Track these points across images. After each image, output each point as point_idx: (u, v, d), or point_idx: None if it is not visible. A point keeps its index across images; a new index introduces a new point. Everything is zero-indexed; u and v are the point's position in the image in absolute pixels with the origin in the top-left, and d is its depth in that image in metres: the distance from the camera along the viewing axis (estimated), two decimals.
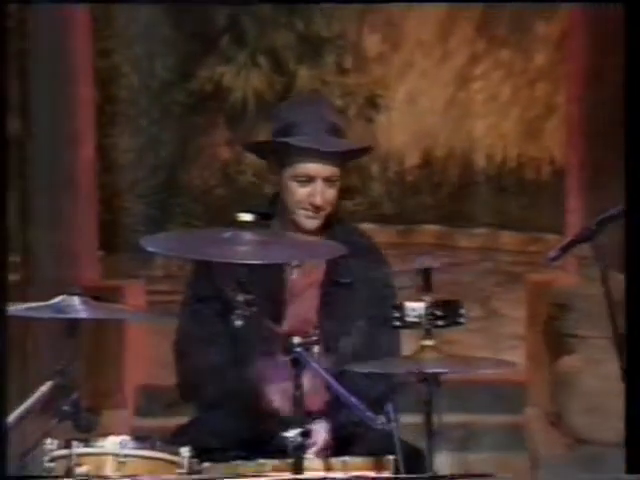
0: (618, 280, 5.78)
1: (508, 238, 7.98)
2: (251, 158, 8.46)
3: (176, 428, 3.83)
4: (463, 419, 5.61)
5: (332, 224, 3.89)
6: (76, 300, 3.31)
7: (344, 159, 3.88)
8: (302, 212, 3.77)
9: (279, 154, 3.82)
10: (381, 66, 8.40)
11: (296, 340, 3.23)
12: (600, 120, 7.30)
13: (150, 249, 3.46)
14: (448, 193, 8.13)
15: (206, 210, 8.34)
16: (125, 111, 8.08)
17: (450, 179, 8.13)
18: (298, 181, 3.76)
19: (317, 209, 3.79)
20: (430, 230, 8.05)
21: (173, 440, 3.55)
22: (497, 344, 7.16)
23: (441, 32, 8.47)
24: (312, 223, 3.79)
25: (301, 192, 3.75)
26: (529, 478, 6.10)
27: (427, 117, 8.27)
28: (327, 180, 3.78)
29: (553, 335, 6.36)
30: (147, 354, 6.84)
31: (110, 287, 6.91)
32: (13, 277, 6.61)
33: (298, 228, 3.80)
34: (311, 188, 3.77)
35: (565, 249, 3.97)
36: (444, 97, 8.20)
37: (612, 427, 6.08)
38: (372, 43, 8.50)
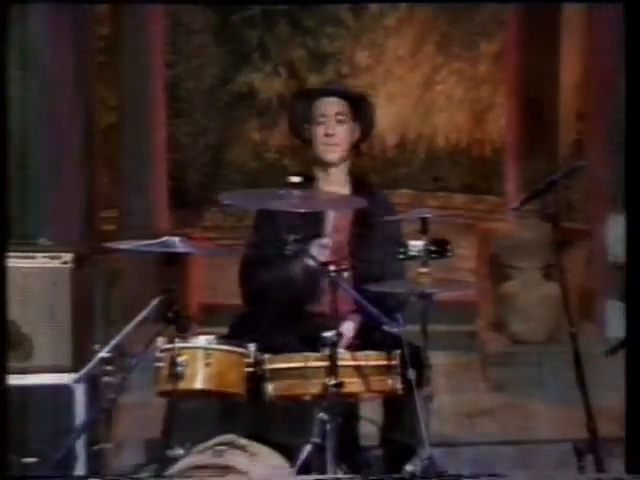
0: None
1: (461, 199, 8.01)
2: (274, 140, 8.54)
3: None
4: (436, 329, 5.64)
5: (362, 186, 3.94)
6: (176, 239, 3.37)
7: (352, 104, 3.85)
8: (322, 147, 3.82)
9: (305, 104, 3.87)
10: (369, 74, 8.38)
11: (332, 267, 3.29)
12: (530, 110, 7.30)
13: (226, 202, 3.54)
14: (417, 166, 8.16)
15: (241, 178, 8.37)
16: (184, 107, 8.09)
17: (419, 156, 8.16)
18: (318, 123, 3.81)
19: (331, 138, 3.80)
20: (405, 194, 8.05)
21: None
22: (456, 274, 7.23)
23: (412, 50, 8.46)
24: (331, 156, 3.82)
25: (319, 130, 3.81)
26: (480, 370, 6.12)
27: (402, 111, 8.27)
28: (337, 116, 3.79)
29: (497, 267, 6.37)
30: (205, 281, 6.85)
31: (177, 234, 6.92)
32: (110, 227, 6.65)
33: (324, 165, 3.82)
34: (325, 124, 3.79)
35: (524, 203, 4.01)
36: (414, 96, 8.20)
37: (540, 332, 6.15)
38: (362, 57, 8.48)
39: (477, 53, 8.36)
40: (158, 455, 3.52)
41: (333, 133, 3.80)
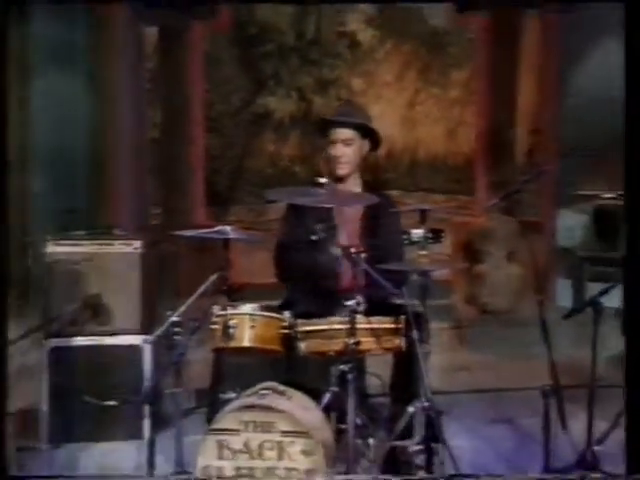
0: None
1: (438, 197, 7.99)
2: (286, 151, 8.51)
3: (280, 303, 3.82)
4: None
5: (371, 187, 4.01)
6: (228, 228, 3.45)
7: (359, 131, 3.85)
8: (333, 165, 3.86)
9: (324, 128, 3.89)
10: (362, 97, 8.33)
11: (353, 249, 3.38)
12: (494, 127, 7.38)
13: (270, 198, 3.62)
14: (403, 171, 8.13)
15: (260, 182, 8.33)
16: (215, 124, 8.06)
17: (404, 163, 8.13)
18: (331, 143, 3.84)
19: (339, 159, 3.83)
20: (393, 194, 7.99)
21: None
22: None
23: (397, 77, 8.42)
24: (340, 172, 3.86)
25: (331, 151, 3.85)
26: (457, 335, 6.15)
27: (390, 127, 8.18)
28: (344, 142, 3.82)
29: (471, 252, 6.43)
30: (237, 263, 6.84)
31: (210, 226, 6.95)
32: (155, 221, 6.67)
33: (337, 177, 3.84)
34: (335, 147, 3.83)
35: (501, 200, 4.06)
36: (399, 115, 8.13)
37: (504, 303, 6.22)
38: (357, 83, 8.39)
39: (450, 80, 8.31)
40: (212, 399, 3.61)
41: (341, 155, 3.84)
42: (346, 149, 3.85)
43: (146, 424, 4.03)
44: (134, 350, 4.08)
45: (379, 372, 3.87)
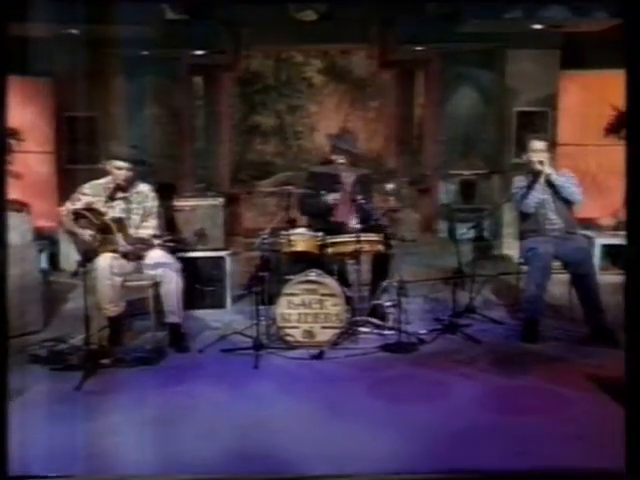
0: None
1: None
2: (269, 149, 8.78)
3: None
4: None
5: (357, 168, 4.03)
6: (290, 187, 3.71)
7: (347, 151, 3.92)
8: (336, 162, 3.98)
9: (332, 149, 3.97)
10: (316, 117, 8.74)
11: (359, 196, 3.77)
12: (397, 135, 7.81)
13: (312, 170, 3.98)
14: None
15: (253, 168, 8.70)
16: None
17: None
18: (333, 154, 3.96)
19: (340, 161, 3.93)
20: None
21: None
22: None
23: (337, 105, 8.92)
24: (339, 164, 3.93)
25: (333, 157, 3.97)
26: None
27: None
28: (341, 152, 3.93)
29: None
30: (248, 213, 6.91)
31: (237, 194, 7.06)
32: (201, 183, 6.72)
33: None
34: (335, 154, 3.95)
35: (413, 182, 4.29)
36: (337, 127, 8.19)
37: (413, 235, 6.49)
38: (312, 108, 8.82)
39: (369, 107, 8.72)
40: (280, 279, 3.74)
41: (337, 158, 3.95)
42: (343, 156, 3.98)
43: (228, 299, 4.34)
44: (220, 259, 4.33)
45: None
